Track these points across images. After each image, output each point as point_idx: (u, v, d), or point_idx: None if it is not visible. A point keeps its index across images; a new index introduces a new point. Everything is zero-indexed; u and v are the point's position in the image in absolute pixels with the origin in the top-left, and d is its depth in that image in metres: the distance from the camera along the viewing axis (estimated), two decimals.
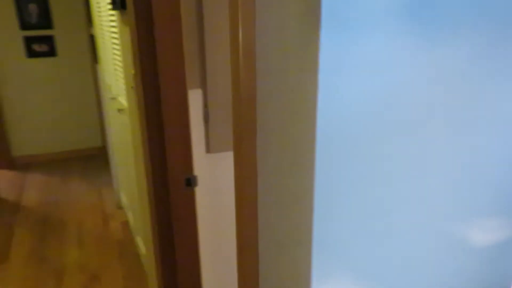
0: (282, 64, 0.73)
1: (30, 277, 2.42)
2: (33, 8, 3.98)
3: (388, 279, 0.92)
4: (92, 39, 3.48)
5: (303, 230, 0.77)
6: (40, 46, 4.09)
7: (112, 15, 2.03)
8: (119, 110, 2.35)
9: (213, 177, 1.66)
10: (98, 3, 2.52)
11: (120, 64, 2.04)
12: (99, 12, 2.52)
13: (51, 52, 4.13)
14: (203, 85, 1.52)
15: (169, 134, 1.49)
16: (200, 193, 1.65)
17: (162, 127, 1.51)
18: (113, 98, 2.56)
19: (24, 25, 3.97)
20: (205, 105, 1.54)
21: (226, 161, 1.65)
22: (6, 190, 3.61)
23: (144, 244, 2.31)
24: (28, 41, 4.02)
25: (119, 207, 3.22)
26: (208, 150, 1.59)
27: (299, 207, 0.76)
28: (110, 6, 1.96)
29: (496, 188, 1.07)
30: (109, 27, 2.19)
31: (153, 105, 1.48)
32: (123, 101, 2.21)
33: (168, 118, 1.47)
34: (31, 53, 4.06)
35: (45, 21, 4.04)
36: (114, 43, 2.13)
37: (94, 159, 4.35)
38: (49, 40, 4.09)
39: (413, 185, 0.98)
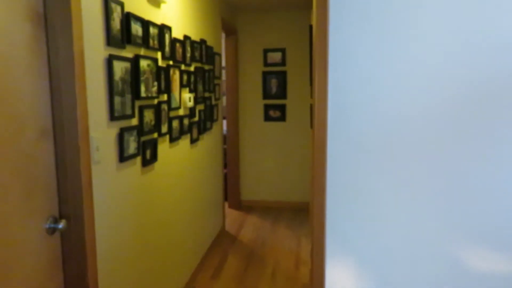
0: None
1: None
2: (274, 82, 4.95)
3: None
4: (311, 108, 4.06)
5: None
6: (275, 113, 4.98)
7: None
8: None
9: None
10: None
11: None
12: None
13: (282, 118, 4.96)
14: None
15: None
16: None
17: None
18: None
19: (265, 95, 4.95)
20: None
21: None
22: (231, 225, 4.42)
23: None
24: (267, 108, 4.97)
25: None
26: None
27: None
28: None
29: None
30: None
31: None
32: None
33: None
34: (267, 118, 4.99)
35: (282, 92, 4.93)
36: None
37: (301, 212, 4.83)
38: (282, 108, 4.95)
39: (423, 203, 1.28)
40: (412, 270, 1.33)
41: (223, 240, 3.97)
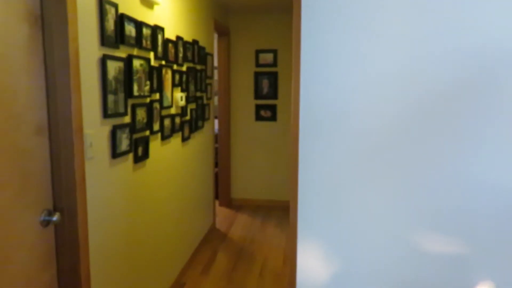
0: None
1: None
2: (265, 83, 5.02)
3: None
4: None
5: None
6: (266, 112, 5.06)
7: None
8: None
9: None
10: None
11: None
12: None
13: (273, 118, 5.04)
14: None
15: None
16: None
17: None
18: None
19: (257, 95, 5.03)
20: None
21: None
22: (221, 222, 4.49)
23: None
24: (258, 108, 5.04)
25: None
26: None
27: None
28: None
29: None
30: None
31: None
32: None
33: None
34: (258, 117, 5.06)
35: (273, 93, 5.00)
36: None
37: None
38: (273, 108, 5.02)
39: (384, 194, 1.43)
40: (373, 252, 1.43)
41: (213, 237, 4.03)
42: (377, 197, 1.40)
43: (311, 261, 1.45)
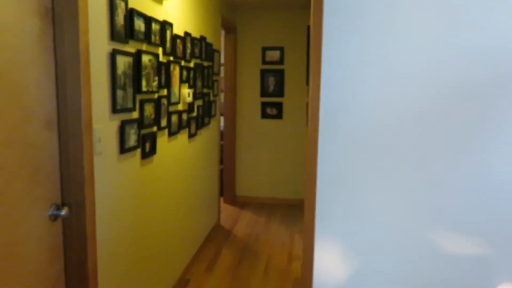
0: None
1: (222, 287, 2.98)
2: (272, 80, 5.01)
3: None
4: (307, 106, 4.12)
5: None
6: (271, 110, 5.04)
7: None
8: None
9: None
10: None
11: None
12: None
13: (279, 115, 5.02)
14: None
15: None
16: None
17: None
18: None
19: (263, 93, 5.01)
20: None
21: None
22: (225, 219, 4.49)
23: None
24: (264, 105, 5.03)
25: None
26: None
27: None
28: None
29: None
30: None
31: None
32: None
33: None
34: (264, 115, 5.05)
35: (279, 91, 4.99)
36: None
37: (295, 209, 4.90)
38: (279, 105, 5.01)
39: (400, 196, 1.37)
40: (391, 253, 1.42)
41: (217, 234, 4.03)
42: (397, 196, 1.39)
43: (328, 261, 1.44)
